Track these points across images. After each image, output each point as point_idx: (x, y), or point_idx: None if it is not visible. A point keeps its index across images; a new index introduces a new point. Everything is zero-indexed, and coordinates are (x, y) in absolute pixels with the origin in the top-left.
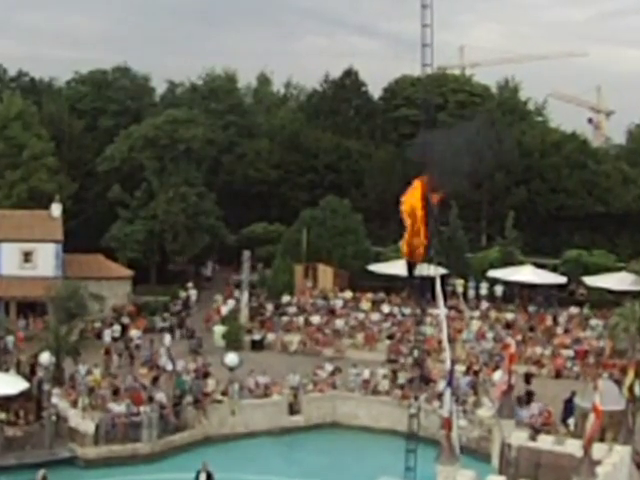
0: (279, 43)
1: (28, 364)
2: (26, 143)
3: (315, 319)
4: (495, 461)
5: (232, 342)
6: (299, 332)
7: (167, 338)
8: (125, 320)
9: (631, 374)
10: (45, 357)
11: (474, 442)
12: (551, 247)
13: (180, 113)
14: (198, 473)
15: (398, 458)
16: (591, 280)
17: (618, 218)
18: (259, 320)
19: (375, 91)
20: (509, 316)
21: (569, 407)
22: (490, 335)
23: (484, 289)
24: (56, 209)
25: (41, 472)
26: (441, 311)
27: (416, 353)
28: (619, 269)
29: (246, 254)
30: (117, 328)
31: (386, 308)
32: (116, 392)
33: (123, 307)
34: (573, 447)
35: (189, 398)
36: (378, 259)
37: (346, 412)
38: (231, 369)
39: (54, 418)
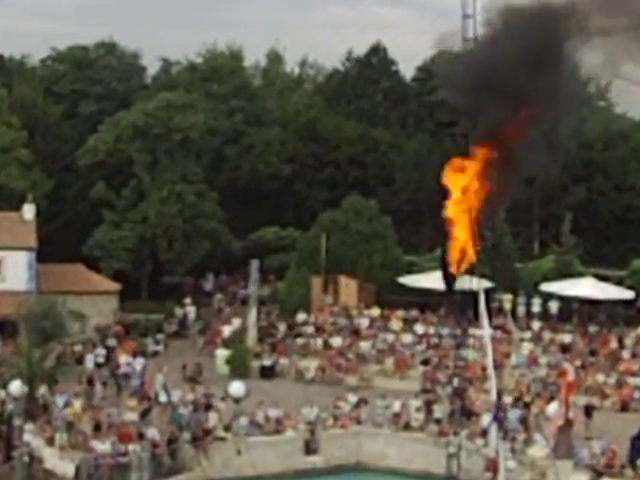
0: (293, 14)
1: None
2: None
3: (336, 341)
4: None
5: (238, 368)
6: (317, 357)
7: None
8: (111, 342)
9: None
10: (16, 386)
11: None
12: (616, 256)
13: (176, 97)
14: None
15: None
16: None
17: None
18: (269, 342)
19: (407, 71)
20: (566, 338)
21: (637, 445)
22: (544, 360)
23: (536, 305)
24: (29, 211)
25: None
26: (485, 332)
27: (456, 382)
28: None
29: (254, 264)
30: (101, 352)
31: (420, 328)
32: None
33: (108, 327)
34: None
35: (187, 435)
36: (410, 270)
37: (373, 451)
38: (236, 400)
39: (26, 459)
